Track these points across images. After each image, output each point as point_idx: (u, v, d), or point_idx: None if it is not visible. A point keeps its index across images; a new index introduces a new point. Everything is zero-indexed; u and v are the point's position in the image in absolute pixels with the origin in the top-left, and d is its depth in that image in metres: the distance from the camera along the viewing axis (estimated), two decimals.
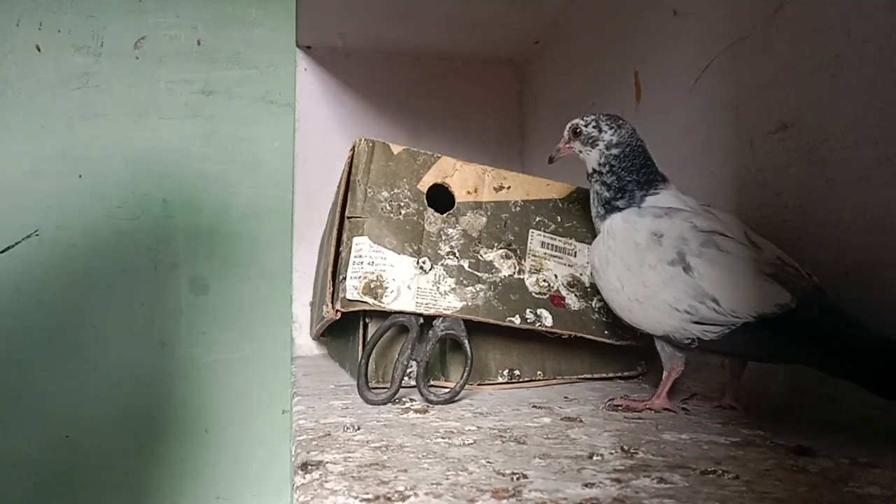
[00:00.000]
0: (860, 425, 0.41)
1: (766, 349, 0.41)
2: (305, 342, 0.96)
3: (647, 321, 0.46)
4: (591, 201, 0.53)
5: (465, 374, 0.51)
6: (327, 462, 0.33)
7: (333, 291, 0.54)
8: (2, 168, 0.93)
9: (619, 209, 0.50)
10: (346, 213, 0.55)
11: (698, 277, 0.42)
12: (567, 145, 0.54)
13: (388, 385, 0.51)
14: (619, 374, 0.63)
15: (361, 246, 0.54)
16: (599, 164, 0.52)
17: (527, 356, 0.59)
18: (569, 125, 0.54)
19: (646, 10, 0.68)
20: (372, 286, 0.53)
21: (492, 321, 0.54)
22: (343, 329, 0.67)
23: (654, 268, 0.45)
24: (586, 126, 0.52)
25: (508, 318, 0.55)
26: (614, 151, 0.51)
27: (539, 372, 0.59)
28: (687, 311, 0.42)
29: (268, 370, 0.99)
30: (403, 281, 0.53)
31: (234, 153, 1.02)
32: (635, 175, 0.51)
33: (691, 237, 0.44)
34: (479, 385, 0.57)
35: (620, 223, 0.49)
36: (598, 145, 0.52)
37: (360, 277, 0.53)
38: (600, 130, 0.52)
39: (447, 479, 0.30)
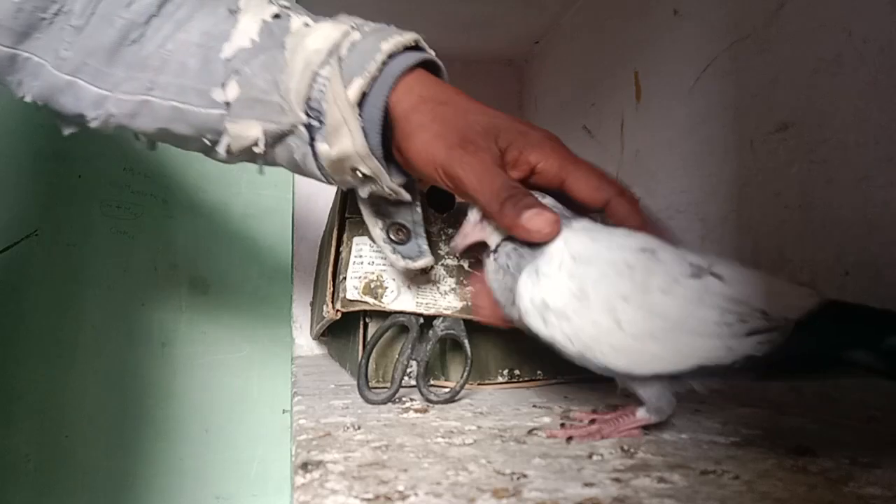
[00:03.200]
0: (860, 425, 0.41)
1: (825, 345, 0.34)
2: (305, 342, 0.96)
3: (671, 355, 0.36)
4: (503, 263, 0.41)
5: (465, 373, 0.51)
6: (327, 462, 0.33)
7: (333, 291, 0.54)
8: (2, 168, 0.93)
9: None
10: (346, 213, 0.55)
11: (734, 283, 0.35)
12: (478, 225, 0.43)
13: (388, 385, 0.51)
14: None
15: (361, 246, 0.54)
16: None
17: (527, 356, 0.59)
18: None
19: (646, 10, 0.68)
20: (372, 286, 0.53)
21: None
22: (343, 329, 0.67)
23: (672, 289, 0.35)
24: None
25: None
26: None
27: (539, 372, 0.59)
28: (735, 323, 0.35)
29: (268, 370, 0.99)
30: (403, 281, 0.53)
31: None
32: None
33: (678, 247, 0.38)
34: (479, 385, 0.57)
35: (588, 243, 0.38)
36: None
37: (360, 277, 0.53)
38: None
39: (447, 478, 0.30)
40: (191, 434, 0.98)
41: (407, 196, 0.47)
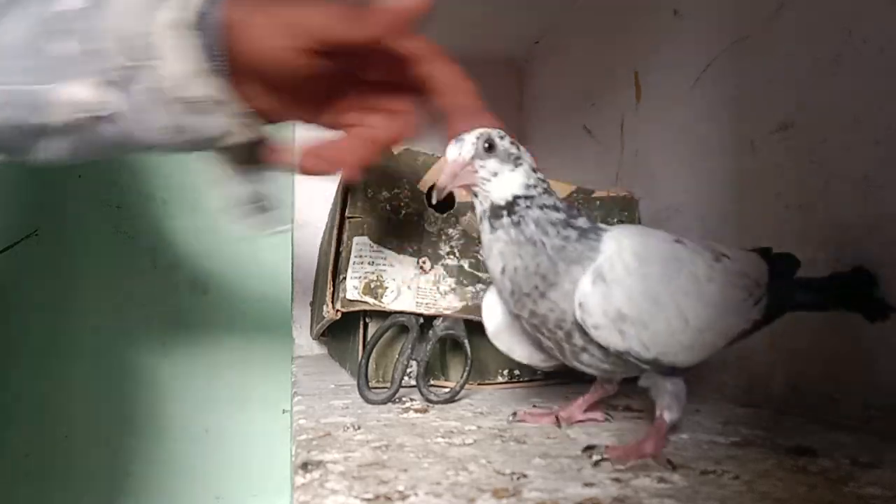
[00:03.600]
0: (860, 425, 0.41)
1: (785, 298, 0.40)
2: (305, 342, 0.96)
3: (718, 339, 0.37)
4: (534, 236, 0.36)
5: (465, 374, 0.51)
6: (327, 462, 0.33)
7: (333, 291, 0.54)
8: (2, 168, 0.93)
9: (602, 229, 0.38)
10: (347, 214, 0.55)
11: (737, 261, 0.38)
12: (468, 166, 0.37)
13: (388, 385, 0.51)
14: None
15: (361, 246, 0.54)
16: (529, 186, 0.37)
17: None
18: (474, 136, 0.38)
19: (646, 10, 0.68)
20: (372, 286, 0.53)
21: None
22: (343, 329, 0.67)
23: (711, 276, 0.36)
24: (502, 139, 0.38)
25: None
26: (538, 173, 0.39)
27: (539, 372, 0.59)
28: (748, 297, 0.38)
29: (268, 370, 0.99)
30: (403, 281, 0.53)
31: None
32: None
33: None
34: (479, 385, 0.57)
35: (638, 240, 0.37)
36: (521, 164, 0.38)
37: (360, 277, 0.53)
38: (518, 147, 0.39)
39: (447, 478, 0.30)
40: (191, 434, 0.98)
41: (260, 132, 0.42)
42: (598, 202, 0.62)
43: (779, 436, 0.39)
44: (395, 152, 0.56)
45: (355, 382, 0.51)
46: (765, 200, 0.50)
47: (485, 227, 0.38)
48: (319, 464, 0.32)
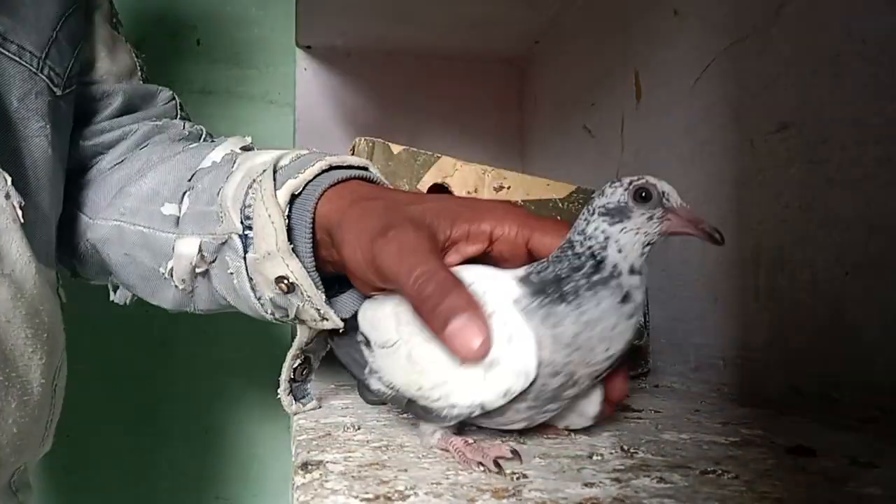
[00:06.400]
0: (860, 425, 0.41)
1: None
2: None
3: None
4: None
5: None
6: (327, 462, 0.33)
7: None
8: None
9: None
10: None
11: None
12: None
13: None
14: None
15: None
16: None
17: None
18: (631, 187, 0.32)
19: (646, 10, 0.68)
20: None
21: None
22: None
23: None
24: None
25: None
26: None
27: None
28: None
29: (268, 370, 0.99)
30: None
31: None
32: None
33: None
34: None
35: None
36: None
37: None
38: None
39: (447, 478, 0.30)
40: (191, 434, 0.98)
41: (338, 321, 0.42)
42: None
43: (779, 436, 0.39)
44: (395, 152, 0.56)
45: (355, 382, 0.51)
46: (765, 200, 0.50)
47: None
48: (319, 464, 0.32)
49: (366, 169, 0.44)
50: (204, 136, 0.59)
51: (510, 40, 1.01)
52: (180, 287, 0.48)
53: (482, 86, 1.09)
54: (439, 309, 0.31)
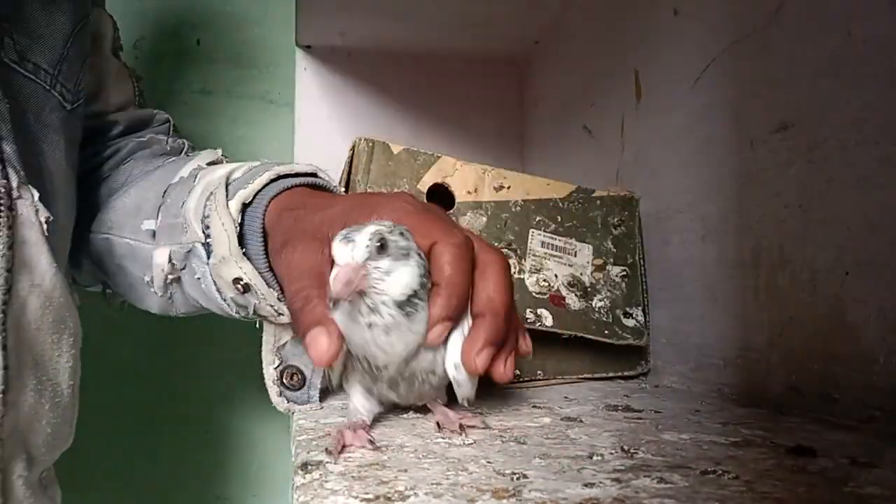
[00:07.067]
0: (860, 425, 0.41)
1: None
2: None
3: None
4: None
5: None
6: (327, 462, 0.33)
7: None
8: None
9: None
10: None
11: None
12: (362, 270, 0.34)
13: None
14: (620, 374, 0.63)
15: None
16: (422, 276, 0.36)
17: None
18: (366, 238, 0.34)
19: (646, 10, 0.68)
20: None
21: None
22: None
23: None
24: (391, 233, 0.36)
25: None
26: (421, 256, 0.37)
27: (539, 372, 0.59)
28: None
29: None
30: None
31: (234, 153, 1.01)
32: None
33: None
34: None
35: None
36: (411, 253, 0.36)
37: None
38: (407, 238, 0.36)
39: (447, 478, 0.30)
40: (191, 434, 0.98)
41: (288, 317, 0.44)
42: (598, 202, 0.63)
43: (779, 436, 0.39)
44: (395, 152, 0.56)
45: None
46: (765, 200, 0.50)
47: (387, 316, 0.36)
48: (319, 464, 0.32)
49: (314, 175, 0.47)
50: (186, 149, 0.64)
51: (510, 40, 1.01)
52: (159, 294, 0.52)
53: (482, 86, 1.09)
54: (300, 322, 0.37)
